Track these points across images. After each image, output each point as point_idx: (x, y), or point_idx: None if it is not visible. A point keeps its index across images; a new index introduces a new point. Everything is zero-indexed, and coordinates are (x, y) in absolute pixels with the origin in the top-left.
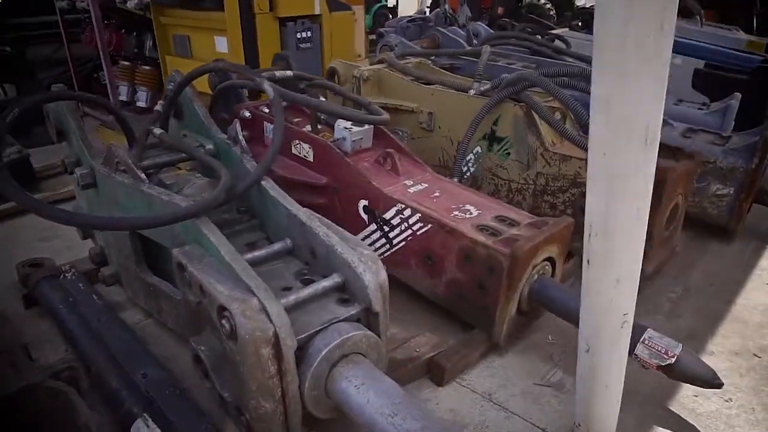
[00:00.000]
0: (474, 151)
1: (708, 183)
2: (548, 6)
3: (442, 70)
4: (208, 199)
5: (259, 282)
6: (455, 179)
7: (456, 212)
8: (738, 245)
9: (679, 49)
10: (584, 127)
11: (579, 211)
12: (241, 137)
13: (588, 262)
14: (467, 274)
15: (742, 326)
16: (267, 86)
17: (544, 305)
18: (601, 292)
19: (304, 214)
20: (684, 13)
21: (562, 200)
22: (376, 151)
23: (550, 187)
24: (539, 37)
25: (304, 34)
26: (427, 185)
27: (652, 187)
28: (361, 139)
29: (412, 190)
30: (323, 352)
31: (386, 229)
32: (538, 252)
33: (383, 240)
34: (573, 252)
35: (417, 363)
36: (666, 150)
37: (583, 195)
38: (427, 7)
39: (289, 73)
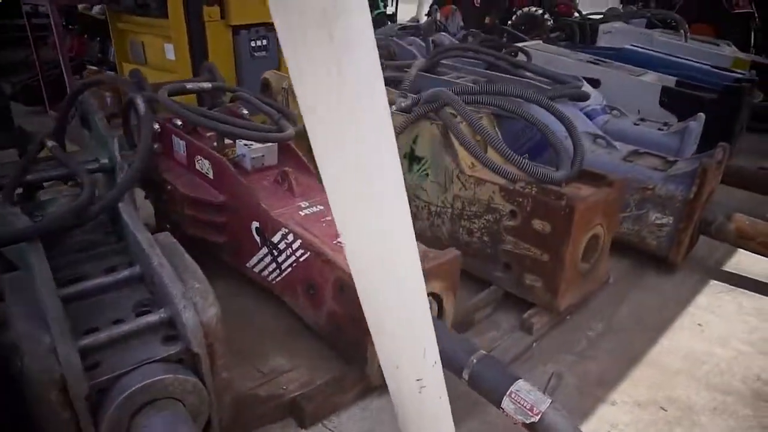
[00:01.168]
0: None
1: (647, 211)
2: (546, 16)
3: None
4: (49, 219)
5: (59, 319)
6: None
7: (341, 239)
8: (678, 279)
9: (650, 63)
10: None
11: (494, 240)
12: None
13: None
14: (342, 306)
15: (657, 373)
16: (139, 101)
17: None
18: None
19: (147, 240)
20: (669, 25)
21: (479, 226)
22: (281, 169)
23: (466, 211)
24: (501, 50)
25: (259, 43)
26: (322, 207)
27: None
28: (263, 156)
29: (304, 212)
30: (120, 398)
31: (275, 253)
32: None
33: (273, 265)
34: (493, 281)
35: (280, 402)
36: (589, 177)
37: (497, 222)
38: (426, 15)
39: (206, 85)
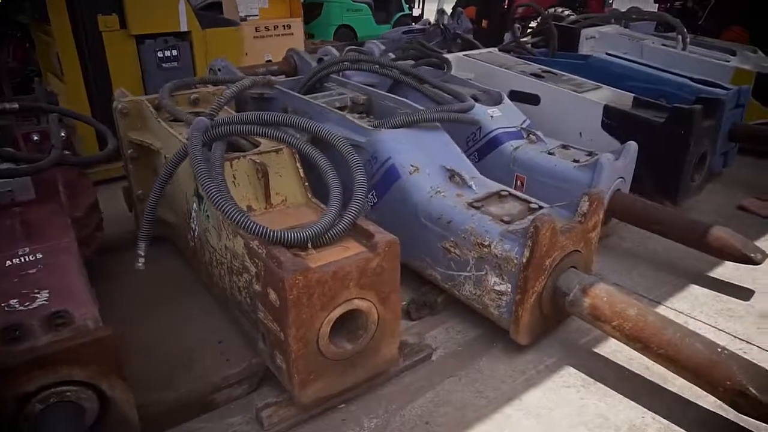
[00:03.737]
0: (193, 208)
1: (486, 273)
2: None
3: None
4: None
5: None
6: (141, 245)
7: (16, 300)
8: (524, 360)
9: (621, 75)
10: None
11: (253, 305)
12: None
13: None
14: None
15: None
16: None
17: None
18: None
19: None
20: (668, 28)
21: (242, 285)
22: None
23: (234, 264)
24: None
25: (167, 53)
26: (41, 256)
27: None
28: (11, 191)
29: (12, 261)
30: None
31: None
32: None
33: None
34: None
35: None
36: (363, 235)
37: (251, 283)
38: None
39: (13, 105)
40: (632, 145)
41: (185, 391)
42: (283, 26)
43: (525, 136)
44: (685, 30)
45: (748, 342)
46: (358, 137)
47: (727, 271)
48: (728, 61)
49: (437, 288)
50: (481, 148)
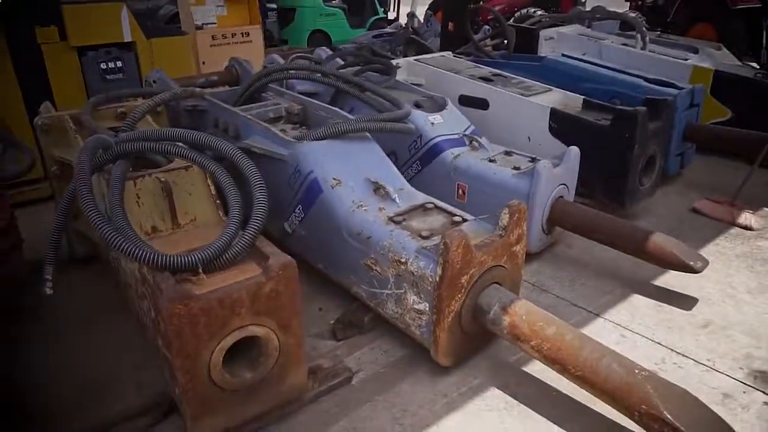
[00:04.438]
0: None
1: (405, 291)
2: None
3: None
4: None
5: None
6: (48, 269)
7: None
8: (447, 383)
9: (574, 76)
10: None
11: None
12: None
13: None
14: None
15: None
16: None
17: None
18: None
19: None
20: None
21: (146, 310)
22: None
23: (138, 289)
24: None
25: (111, 64)
26: None
27: None
28: None
29: None
30: None
31: None
32: None
33: None
34: None
35: None
36: (260, 257)
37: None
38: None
39: None
40: (573, 151)
41: (88, 422)
42: (242, 34)
43: (467, 143)
44: (645, 29)
45: (684, 356)
46: (281, 150)
47: (673, 278)
48: (687, 60)
49: (366, 306)
50: (423, 156)
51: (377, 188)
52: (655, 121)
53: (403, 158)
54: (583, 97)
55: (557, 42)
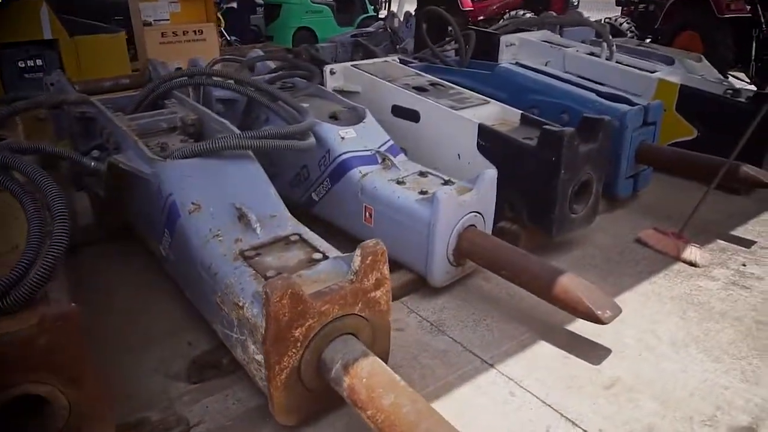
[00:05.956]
0: None
1: (246, 339)
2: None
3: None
4: None
5: None
6: None
7: None
8: None
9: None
10: None
11: None
12: None
13: None
14: None
15: None
16: None
17: None
18: None
19: None
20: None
21: None
22: None
23: None
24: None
25: (30, 63)
26: None
27: None
28: None
29: None
30: None
31: None
32: None
33: None
34: None
35: None
36: None
37: None
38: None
39: None
40: (488, 174)
41: None
42: (195, 32)
43: (380, 160)
44: (611, 38)
45: (573, 423)
46: (145, 168)
47: (589, 324)
48: (654, 72)
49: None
50: (332, 173)
51: (241, 216)
52: (589, 142)
53: (314, 174)
54: (521, 111)
55: (519, 48)
